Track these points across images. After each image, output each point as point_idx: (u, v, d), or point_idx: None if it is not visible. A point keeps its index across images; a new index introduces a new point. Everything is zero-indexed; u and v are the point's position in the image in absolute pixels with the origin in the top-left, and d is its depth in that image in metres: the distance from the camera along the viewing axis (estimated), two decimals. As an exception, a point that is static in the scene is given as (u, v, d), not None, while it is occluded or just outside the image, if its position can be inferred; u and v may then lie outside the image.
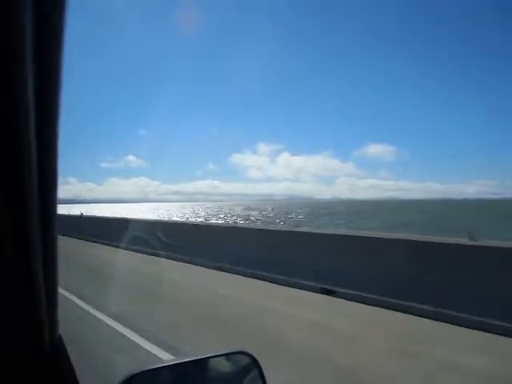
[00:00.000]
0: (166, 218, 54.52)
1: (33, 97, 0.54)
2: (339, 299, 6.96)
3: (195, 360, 1.04)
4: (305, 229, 13.26)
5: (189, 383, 1.08)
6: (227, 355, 1.14)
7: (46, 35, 0.54)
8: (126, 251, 12.55)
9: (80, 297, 7.12)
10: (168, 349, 4.66)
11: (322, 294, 7.27)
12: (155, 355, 4.48)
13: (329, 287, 7.30)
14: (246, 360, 1.12)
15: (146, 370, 0.95)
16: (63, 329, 0.80)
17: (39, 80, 0.54)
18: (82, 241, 16.81)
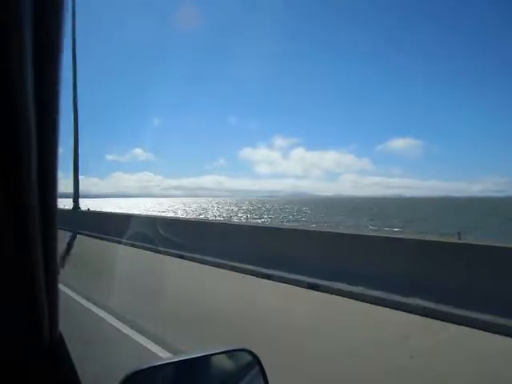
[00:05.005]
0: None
1: (32, 92, 0.53)
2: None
3: (196, 357, 1.04)
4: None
5: (190, 380, 1.07)
6: (228, 352, 1.13)
7: (46, 29, 0.53)
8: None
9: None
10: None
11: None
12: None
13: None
14: (247, 357, 1.11)
15: (148, 368, 0.94)
16: (63, 326, 0.78)
17: (38, 76, 0.54)
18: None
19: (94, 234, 15.44)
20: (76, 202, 19.46)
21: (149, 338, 4.86)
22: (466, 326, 5.08)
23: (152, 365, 0.96)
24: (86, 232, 16.18)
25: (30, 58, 0.51)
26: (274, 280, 7.94)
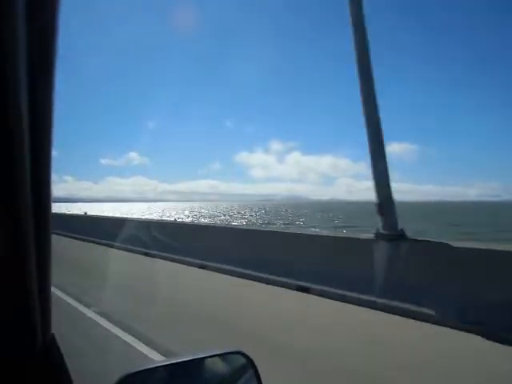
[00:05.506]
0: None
1: (25, 95, 0.54)
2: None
3: (191, 360, 1.04)
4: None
5: (184, 383, 1.07)
6: (223, 355, 1.13)
7: (39, 30, 0.54)
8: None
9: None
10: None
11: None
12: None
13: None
14: (241, 360, 1.11)
15: (141, 370, 0.95)
16: (56, 328, 0.79)
17: (32, 78, 0.54)
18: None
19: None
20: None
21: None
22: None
23: (146, 367, 0.96)
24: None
25: (24, 58, 0.52)
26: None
